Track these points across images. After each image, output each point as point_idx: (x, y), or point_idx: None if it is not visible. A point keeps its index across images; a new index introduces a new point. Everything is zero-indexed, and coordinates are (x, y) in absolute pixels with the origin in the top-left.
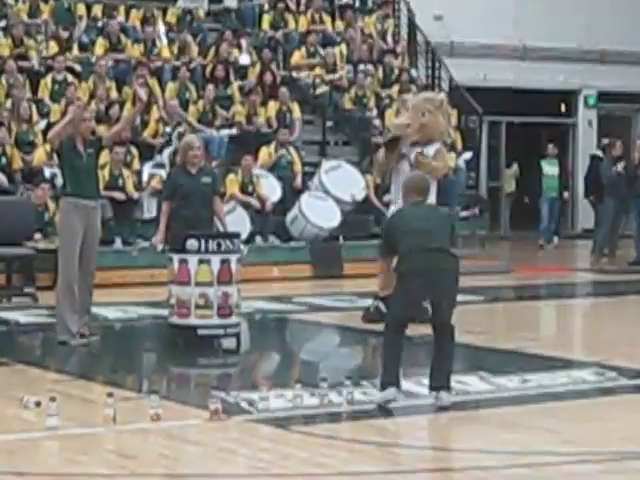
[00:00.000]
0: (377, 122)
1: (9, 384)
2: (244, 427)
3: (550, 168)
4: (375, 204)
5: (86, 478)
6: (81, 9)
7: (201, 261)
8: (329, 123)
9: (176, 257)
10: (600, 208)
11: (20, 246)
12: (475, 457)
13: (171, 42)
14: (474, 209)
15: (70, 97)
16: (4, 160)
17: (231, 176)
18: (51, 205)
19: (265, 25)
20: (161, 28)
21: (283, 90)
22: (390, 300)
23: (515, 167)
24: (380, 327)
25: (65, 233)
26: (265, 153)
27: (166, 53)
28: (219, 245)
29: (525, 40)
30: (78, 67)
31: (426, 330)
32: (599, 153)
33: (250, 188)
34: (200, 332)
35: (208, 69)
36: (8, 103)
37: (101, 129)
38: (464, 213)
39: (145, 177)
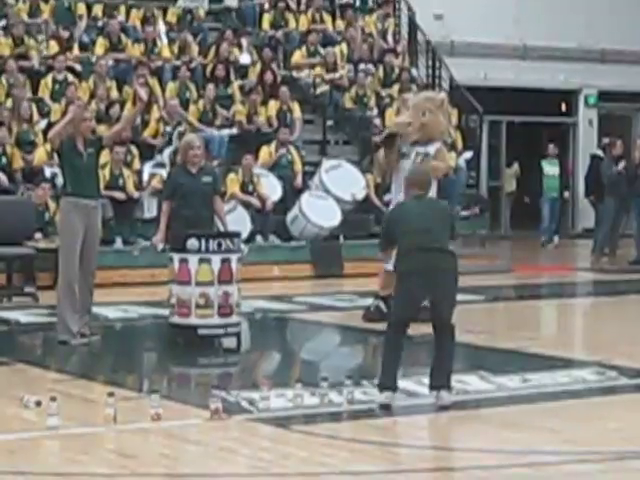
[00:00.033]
0: (377, 121)
1: (10, 384)
2: (245, 426)
3: (551, 168)
4: (375, 203)
5: (87, 478)
6: (81, 9)
7: (201, 260)
8: (329, 122)
9: (177, 256)
10: (600, 207)
11: (21, 246)
12: (475, 456)
13: (171, 42)
14: (474, 208)
15: (70, 97)
16: (4, 160)
17: (231, 175)
18: (52, 205)
19: (265, 24)
20: (161, 28)
21: (283, 89)
22: (392, 301)
23: (515, 166)
24: (381, 326)
25: (66, 233)
26: (265, 152)
27: (166, 53)
28: (219, 244)
29: (525, 39)
30: (78, 67)
31: (427, 329)
32: (599, 152)
33: (250, 187)
34: (201, 332)
35: (208, 68)
36: (8, 103)
37: (101, 129)
38: (464, 212)
39: (145, 177)
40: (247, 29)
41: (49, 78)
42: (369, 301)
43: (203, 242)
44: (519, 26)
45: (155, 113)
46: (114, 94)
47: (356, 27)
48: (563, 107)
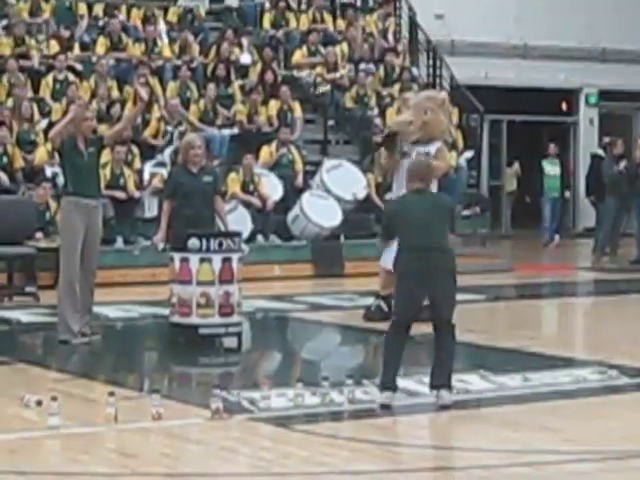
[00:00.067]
0: (378, 121)
1: (10, 383)
2: (245, 426)
3: (552, 168)
4: (376, 203)
5: (87, 477)
6: (82, 8)
7: (202, 260)
8: (330, 122)
9: (177, 256)
10: (601, 207)
11: (21, 245)
12: (476, 456)
13: (172, 41)
14: (475, 208)
15: (71, 96)
16: (5, 159)
17: (232, 175)
18: (52, 204)
19: (266, 24)
20: (162, 27)
21: (284, 89)
22: (393, 301)
23: (516, 166)
24: (381, 326)
25: (66, 232)
26: (266, 152)
27: (167, 52)
28: (220, 244)
29: (526, 38)
30: (79, 66)
31: (427, 329)
32: (600, 152)
33: (251, 187)
34: (201, 331)
35: (209, 68)
36: (9, 102)
37: (102, 128)
38: (465, 212)
39: (146, 176)
40: (248, 29)
41: (50, 78)
42: (370, 301)
43: (204, 242)
44: (520, 25)
45: (156, 113)
46: (115, 94)
47: (357, 27)
48: (564, 106)
